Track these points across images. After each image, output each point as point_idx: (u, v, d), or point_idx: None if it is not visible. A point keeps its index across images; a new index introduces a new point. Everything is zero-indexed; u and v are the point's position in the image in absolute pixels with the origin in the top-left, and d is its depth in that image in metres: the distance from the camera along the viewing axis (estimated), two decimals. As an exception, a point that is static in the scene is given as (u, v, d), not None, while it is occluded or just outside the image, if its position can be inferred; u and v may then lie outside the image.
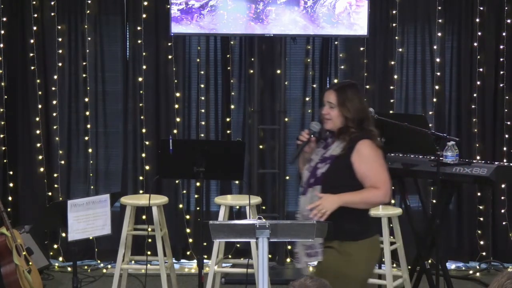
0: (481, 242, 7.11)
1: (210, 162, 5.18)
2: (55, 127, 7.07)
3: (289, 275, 6.62)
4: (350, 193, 4.03)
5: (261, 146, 7.08)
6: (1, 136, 7.02)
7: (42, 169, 7.04)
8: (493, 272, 6.95)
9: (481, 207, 7.12)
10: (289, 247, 7.06)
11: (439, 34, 7.06)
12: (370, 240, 4.14)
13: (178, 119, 7.10)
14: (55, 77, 7.04)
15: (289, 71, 7.14)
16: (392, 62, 7.10)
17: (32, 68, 7.02)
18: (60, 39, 7.03)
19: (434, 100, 7.11)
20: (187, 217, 7.16)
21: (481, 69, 7.09)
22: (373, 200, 4.07)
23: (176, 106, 7.10)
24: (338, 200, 4.00)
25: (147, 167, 7.06)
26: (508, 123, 7.09)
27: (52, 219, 5.10)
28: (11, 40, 7.00)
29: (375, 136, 4.13)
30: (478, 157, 6.97)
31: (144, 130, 7.07)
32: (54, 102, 7.06)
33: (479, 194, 7.11)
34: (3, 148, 7.03)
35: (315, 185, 4.10)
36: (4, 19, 6.96)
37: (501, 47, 7.08)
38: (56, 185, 7.08)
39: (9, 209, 6.86)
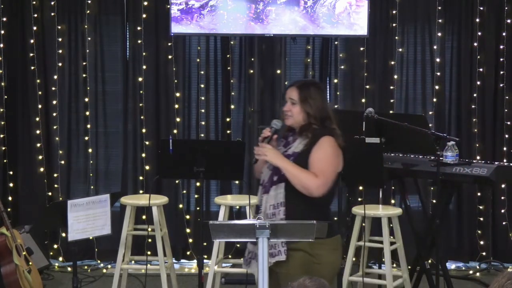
0: (481, 242, 7.11)
1: (210, 162, 5.18)
2: (55, 127, 7.07)
3: (289, 275, 6.61)
4: (293, 164, 4.09)
5: (261, 146, 7.07)
6: (1, 136, 7.02)
7: (42, 169, 7.04)
8: (493, 272, 6.94)
9: (481, 207, 7.12)
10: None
11: (439, 34, 7.06)
12: (336, 238, 4.19)
13: (178, 119, 7.10)
14: (55, 77, 7.04)
15: (289, 71, 7.14)
16: (392, 62, 7.10)
17: (32, 68, 7.02)
18: (60, 39, 7.03)
19: (434, 100, 7.11)
20: (187, 217, 7.16)
21: (481, 69, 7.09)
22: (306, 182, 4.09)
23: (176, 106, 7.10)
24: (281, 159, 4.10)
25: (147, 167, 7.06)
26: (508, 123, 7.09)
27: (52, 219, 5.10)
28: (11, 40, 7.00)
29: (338, 135, 4.19)
30: (478, 157, 6.97)
31: (144, 130, 7.07)
32: (54, 102, 7.06)
33: (479, 194, 7.11)
34: (3, 148, 7.03)
35: (279, 182, 4.12)
36: (4, 19, 6.96)
37: (501, 47, 7.07)
38: (56, 185, 7.08)
39: (9, 209, 6.86)
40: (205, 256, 6.50)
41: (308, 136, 4.15)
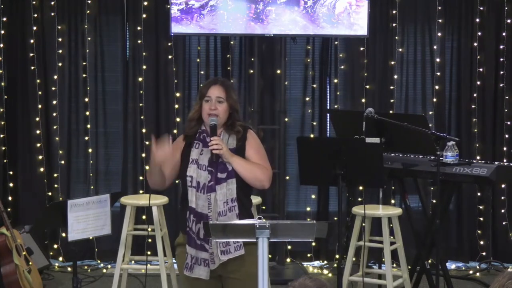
0: (481, 242, 7.11)
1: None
2: (55, 127, 7.07)
3: (289, 275, 6.62)
4: (244, 159, 4.17)
5: (261, 146, 7.07)
6: (1, 136, 7.02)
7: (42, 169, 7.04)
8: (493, 272, 6.95)
9: (481, 207, 7.12)
10: (289, 247, 7.06)
11: (439, 34, 7.07)
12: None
13: (178, 119, 7.10)
14: (55, 77, 7.04)
15: (289, 71, 7.14)
16: (392, 62, 7.10)
17: (32, 68, 7.02)
18: (60, 39, 7.03)
19: (434, 100, 7.11)
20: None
21: (481, 69, 7.09)
22: (260, 175, 4.18)
23: (176, 106, 7.10)
24: (233, 154, 4.14)
25: (147, 167, 7.05)
26: (508, 123, 7.09)
27: (52, 219, 5.10)
28: (11, 40, 7.00)
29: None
30: (478, 157, 6.97)
31: (144, 130, 7.07)
32: (54, 102, 7.06)
33: (479, 194, 7.11)
34: (3, 148, 7.03)
35: (230, 178, 4.14)
36: (4, 19, 6.96)
37: (501, 47, 7.08)
38: (56, 185, 7.08)
39: (9, 209, 6.86)
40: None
41: (239, 131, 4.21)
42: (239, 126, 4.22)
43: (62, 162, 7.09)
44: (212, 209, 4.11)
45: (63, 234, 6.75)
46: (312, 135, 7.12)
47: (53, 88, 7.06)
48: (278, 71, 6.97)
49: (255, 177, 4.18)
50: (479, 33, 7.06)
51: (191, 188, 4.14)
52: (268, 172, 4.23)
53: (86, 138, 7.14)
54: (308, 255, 7.15)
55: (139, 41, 7.05)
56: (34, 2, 6.96)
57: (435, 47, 7.09)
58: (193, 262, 4.15)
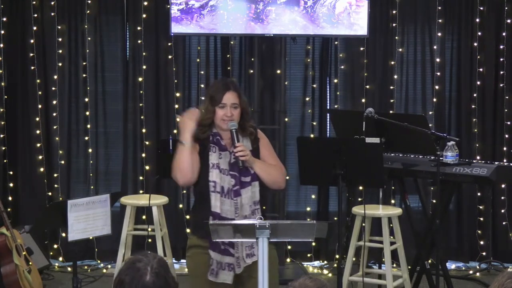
0: (481, 242, 7.11)
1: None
2: (55, 127, 7.07)
3: (289, 275, 6.62)
4: (263, 162, 4.25)
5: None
6: (1, 136, 7.02)
7: (42, 169, 7.04)
8: (493, 272, 6.94)
9: (481, 207, 7.12)
10: (289, 247, 7.06)
11: (439, 34, 7.06)
12: None
13: (178, 119, 7.09)
14: (55, 77, 7.04)
15: (289, 71, 7.14)
16: (392, 62, 7.10)
17: (32, 68, 7.01)
18: (60, 39, 7.03)
19: (434, 100, 7.11)
20: (187, 217, 7.16)
21: (481, 69, 7.09)
22: (278, 177, 4.30)
23: (176, 106, 7.10)
24: (255, 159, 4.21)
25: (147, 167, 7.06)
26: (508, 123, 7.09)
27: (52, 219, 5.10)
28: (11, 40, 7.00)
29: None
30: (478, 157, 6.97)
31: (144, 130, 7.07)
32: (54, 102, 7.06)
33: (479, 194, 7.11)
34: (3, 148, 7.03)
35: (253, 181, 4.19)
36: (4, 19, 6.96)
37: (501, 47, 7.07)
38: (56, 185, 7.08)
39: (9, 209, 6.86)
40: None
41: (252, 134, 4.26)
42: (250, 127, 4.25)
43: (62, 162, 7.09)
44: (239, 213, 4.12)
45: (63, 234, 6.74)
46: (312, 135, 7.12)
47: (53, 88, 7.06)
48: (278, 71, 6.97)
49: (274, 180, 4.26)
50: (479, 33, 7.06)
51: (215, 193, 4.13)
52: (284, 172, 4.35)
53: (86, 138, 7.14)
54: (308, 255, 7.15)
55: (139, 41, 7.05)
56: (34, 2, 6.96)
57: (435, 47, 7.09)
58: (218, 268, 4.13)
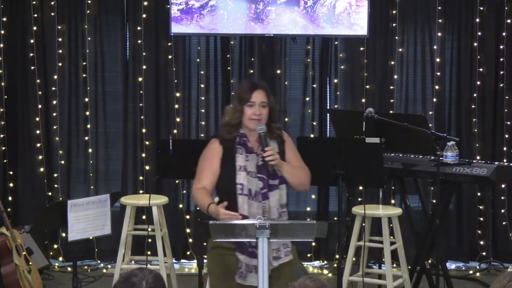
0: (481, 242, 7.11)
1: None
2: (55, 127, 7.07)
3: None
4: (290, 165, 4.23)
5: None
6: (1, 136, 7.02)
7: (42, 169, 7.04)
8: (493, 272, 6.94)
9: (481, 207, 7.12)
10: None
11: (439, 34, 7.06)
12: None
13: (178, 119, 7.10)
14: (55, 77, 7.04)
15: (289, 71, 7.15)
16: (392, 62, 7.10)
17: (32, 68, 7.01)
18: (60, 39, 7.03)
19: (434, 100, 7.11)
20: (187, 217, 7.16)
21: (481, 69, 7.09)
22: (304, 179, 4.30)
23: (176, 106, 7.10)
24: (282, 162, 4.19)
25: (147, 167, 7.06)
26: (508, 123, 7.09)
27: (52, 219, 5.10)
28: (11, 40, 7.00)
29: None
30: (478, 157, 6.97)
31: (144, 130, 7.07)
32: (54, 102, 7.06)
33: (479, 194, 7.11)
34: (3, 148, 7.03)
35: (280, 184, 4.18)
36: (4, 19, 6.96)
37: (501, 47, 7.08)
38: (56, 185, 7.08)
39: (9, 209, 6.86)
40: (205, 256, 6.48)
41: (279, 136, 4.25)
42: (276, 129, 4.24)
43: (62, 162, 7.09)
44: (267, 216, 4.10)
45: (63, 234, 6.75)
46: (312, 135, 7.12)
47: (53, 88, 7.06)
48: (278, 71, 6.97)
49: (300, 182, 4.27)
50: (479, 33, 7.06)
51: (242, 196, 4.12)
52: (309, 174, 4.31)
53: (86, 138, 7.13)
54: (308, 255, 7.15)
55: (139, 41, 7.05)
56: (34, 2, 6.96)
57: (435, 47, 7.09)
58: (247, 270, 4.12)
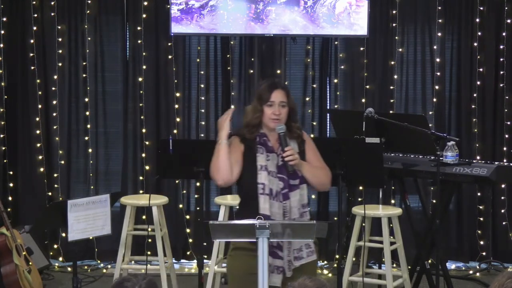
0: (481, 242, 7.11)
1: (209, 162, 5.17)
2: (55, 127, 7.07)
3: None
4: (310, 165, 4.22)
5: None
6: (1, 136, 7.02)
7: (42, 169, 7.04)
8: (493, 272, 6.94)
9: (481, 207, 7.12)
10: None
11: (439, 34, 7.06)
12: None
13: (178, 119, 7.10)
14: (55, 77, 7.04)
15: (289, 71, 7.15)
16: (392, 62, 7.10)
17: (32, 68, 7.01)
18: (60, 39, 7.03)
19: (434, 100, 7.11)
20: (187, 217, 7.16)
21: (481, 69, 7.09)
22: (325, 179, 4.30)
23: (176, 106, 7.10)
24: (302, 162, 4.18)
25: (147, 167, 7.06)
26: (508, 123, 7.09)
27: (52, 219, 5.10)
28: (11, 40, 7.00)
29: None
30: (478, 157, 6.97)
31: (144, 130, 7.07)
32: (54, 102, 7.06)
33: (479, 194, 7.11)
34: (3, 148, 7.03)
35: (301, 184, 4.17)
36: (4, 19, 6.96)
37: (501, 47, 7.08)
38: (56, 185, 7.08)
39: (9, 209, 6.86)
40: (205, 256, 6.50)
41: (299, 136, 4.24)
42: (296, 129, 4.23)
43: (62, 162, 7.09)
44: (288, 216, 4.11)
45: (63, 234, 6.75)
46: (312, 135, 7.12)
47: (53, 88, 7.06)
48: (278, 71, 6.97)
49: (321, 182, 4.27)
50: (479, 33, 7.06)
51: (264, 195, 4.10)
52: (330, 174, 4.31)
53: (86, 138, 7.13)
54: (308, 255, 7.14)
55: (139, 41, 7.05)
56: (34, 2, 6.96)
57: (435, 47, 7.09)
58: (269, 271, 4.10)
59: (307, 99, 7.19)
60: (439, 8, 7.05)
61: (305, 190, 4.19)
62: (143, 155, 7.07)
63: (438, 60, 7.08)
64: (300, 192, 4.16)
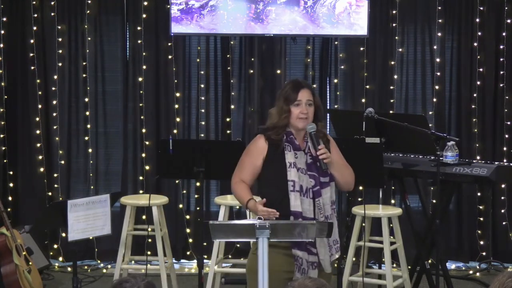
0: (481, 242, 7.11)
1: (210, 162, 5.19)
2: (55, 127, 7.07)
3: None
4: (338, 164, 4.28)
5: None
6: (1, 136, 7.02)
7: (42, 169, 7.04)
8: (493, 272, 6.94)
9: (481, 207, 7.12)
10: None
11: (439, 34, 7.06)
12: None
13: (178, 119, 7.10)
14: (55, 77, 7.04)
15: (289, 71, 7.14)
16: (392, 62, 7.10)
17: (32, 68, 7.01)
18: (60, 39, 7.03)
19: (434, 100, 7.11)
20: (187, 217, 7.16)
21: (481, 69, 7.09)
22: (349, 179, 4.34)
23: (176, 106, 7.10)
24: (333, 161, 4.24)
25: (147, 167, 7.06)
26: (508, 123, 7.09)
27: (52, 219, 5.10)
28: (11, 40, 7.00)
29: None
30: (478, 157, 6.97)
31: (144, 130, 7.07)
32: (54, 102, 7.06)
33: (479, 194, 7.11)
34: (3, 148, 7.02)
35: (331, 182, 4.24)
36: (4, 19, 6.96)
37: (501, 47, 7.08)
38: (56, 185, 7.07)
39: (9, 209, 6.85)
40: (205, 256, 6.50)
41: (325, 135, 4.30)
42: (322, 127, 4.28)
43: (62, 162, 7.09)
44: (322, 214, 4.14)
45: (63, 234, 6.74)
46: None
47: (53, 88, 7.06)
48: (278, 71, 6.97)
49: (347, 181, 4.33)
50: (479, 33, 7.06)
51: (295, 192, 4.13)
52: (353, 174, 4.35)
53: (86, 138, 7.13)
54: (308, 255, 7.14)
55: (139, 41, 7.05)
56: (34, 2, 6.96)
57: (435, 47, 7.08)
58: (308, 267, 4.14)
59: (307, 99, 7.18)
60: (439, 8, 7.04)
61: (334, 187, 4.26)
62: (143, 155, 7.07)
63: (438, 60, 7.08)
64: (330, 190, 4.22)
